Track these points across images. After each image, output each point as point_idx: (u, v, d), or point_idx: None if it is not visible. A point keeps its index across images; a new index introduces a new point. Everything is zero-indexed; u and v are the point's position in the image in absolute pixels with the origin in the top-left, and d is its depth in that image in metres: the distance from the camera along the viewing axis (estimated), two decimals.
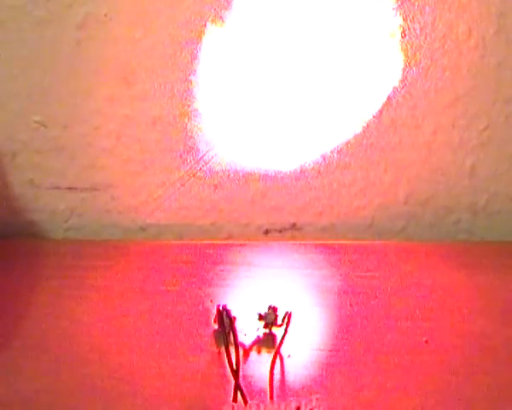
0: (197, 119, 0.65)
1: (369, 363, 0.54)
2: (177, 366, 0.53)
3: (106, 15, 0.60)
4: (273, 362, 0.53)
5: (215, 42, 0.61)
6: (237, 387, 0.50)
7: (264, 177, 0.68)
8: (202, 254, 0.66)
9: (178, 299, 0.60)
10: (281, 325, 0.56)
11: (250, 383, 0.52)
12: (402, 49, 0.61)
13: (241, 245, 0.68)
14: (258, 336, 0.56)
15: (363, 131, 0.65)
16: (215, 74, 0.63)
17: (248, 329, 0.56)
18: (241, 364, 0.52)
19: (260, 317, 0.56)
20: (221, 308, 0.56)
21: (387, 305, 0.59)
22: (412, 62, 0.62)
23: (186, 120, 0.65)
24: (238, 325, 0.55)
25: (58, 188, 0.69)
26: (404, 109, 0.64)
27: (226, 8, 0.59)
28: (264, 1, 0.59)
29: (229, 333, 0.55)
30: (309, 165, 0.67)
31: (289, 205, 0.70)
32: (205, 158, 0.67)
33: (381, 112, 0.64)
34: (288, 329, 0.56)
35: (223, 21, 0.60)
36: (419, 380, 0.52)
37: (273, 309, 0.56)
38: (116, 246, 0.67)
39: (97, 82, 0.63)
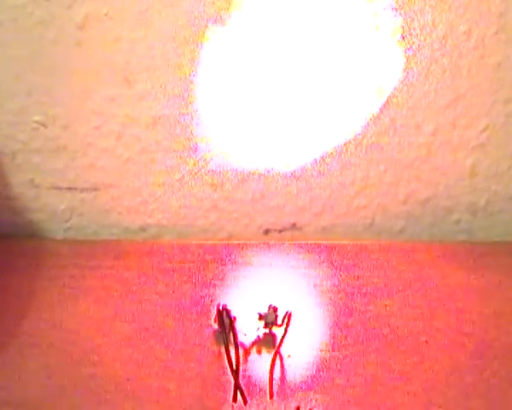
0: (197, 119, 0.65)
1: (368, 363, 0.54)
2: (177, 366, 0.53)
3: (106, 15, 0.60)
4: (273, 362, 0.53)
5: (215, 42, 0.61)
6: (237, 387, 0.50)
7: (264, 177, 0.68)
8: (202, 254, 0.66)
9: (178, 299, 0.60)
10: (281, 325, 0.56)
11: (250, 383, 0.52)
12: (402, 49, 0.61)
13: (241, 245, 0.68)
14: (258, 336, 0.56)
15: (363, 131, 0.65)
16: (215, 74, 0.63)
17: (248, 329, 0.56)
18: (241, 364, 0.52)
19: (260, 317, 0.56)
20: (221, 308, 0.56)
21: (387, 305, 0.59)
22: (412, 62, 0.62)
23: (186, 119, 0.65)
24: (238, 325, 0.56)
25: (58, 188, 0.69)
26: (404, 109, 0.64)
27: (226, 9, 0.59)
28: (265, 1, 0.59)
29: (229, 333, 0.55)
30: (309, 165, 0.67)
31: (289, 205, 0.70)
32: (205, 158, 0.67)
33: (381, 112, 0.64)
34: (288, 329, 0.56)
35: (223, 21, 0.60)
36: (419, 380, 0.52)
37: (273, 309, 0.56)
38: (116, 246, 0.67)
39: (97, 82, 0.63)
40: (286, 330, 0.56)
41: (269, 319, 0.56)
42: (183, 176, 0.68)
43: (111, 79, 0.63)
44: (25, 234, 0.71)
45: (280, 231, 0.72)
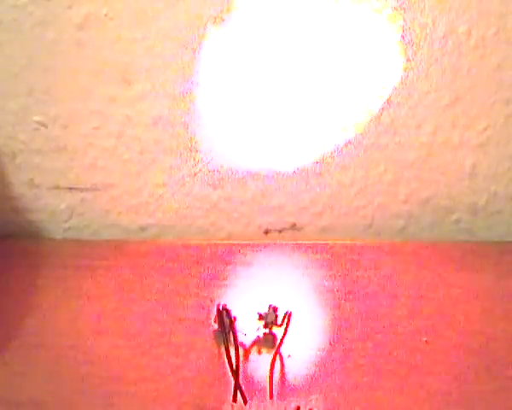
0: (197, 119, 0.65)
1: (368, 363, 0.54)
2: (177, 366, 0.53)
3: (106, 15, 0.60)
4: (273, 362, 0.53)
5: (215, 42, 0.61)
6: (237, 387, 0.50)
7: (264, 177, 0.68)
8: (202, 254, 0.66)
9: (178, 299, 0.60)
10: (281, 325, 0.56)
11: (250, 383, 0.52)
12: (402, 50, 0.61)
13: (241, 245, 0.68)
14: (258, 336, 0.56)
15: (363, 131, 0.65)
16: (215, 74, 0.63)
17: (248, 329, 0.56)
18: (241, 364, 0.52)
19: (260, 317, 0.56)
20: (221, 308, 0.56)
21: (387, 305, 0.59)
22: (412, 62, 0.62)
23: (186, 120, 0.65)
24: (238, 325, 0.56)
25: (58, 188, 0.69)
26: (404, 109, 0.64)
27: (226, 9, 0.59)
28: (265, 1, 0.59)
29: (229, 333, 0.55)
30: (309, 165, 0.67)
31: (289, 205, 0.70)
32: (205, 158, 0.67)
33: (381, 112, 0.64)
34: (288, 329, 0.56)
35: (223, 21, 0.60)
36: (419, 380, 0.52)
37: (273, 309, 0.56)
38: (116, 246, 0.67)
39: (97, 82, 0.63)
40: (286, 330, 0.56)
41: (269, 319, 0.56)
42: (183, 176, 0.68)
43: (111, 79, 0.63)
44: (25, 234, 0.71)
45: (280, 231, 0.72)
